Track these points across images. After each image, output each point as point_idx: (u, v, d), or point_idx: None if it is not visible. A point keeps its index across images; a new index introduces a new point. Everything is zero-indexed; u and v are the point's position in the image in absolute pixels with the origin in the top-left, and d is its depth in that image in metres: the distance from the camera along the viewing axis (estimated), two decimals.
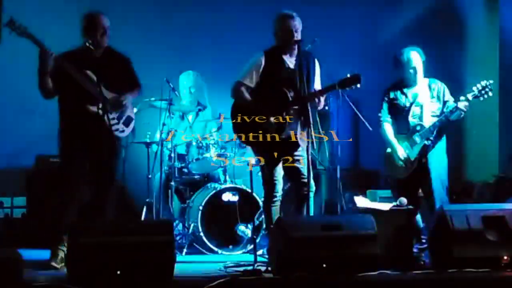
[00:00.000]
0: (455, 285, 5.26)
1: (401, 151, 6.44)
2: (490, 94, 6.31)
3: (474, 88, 6.31)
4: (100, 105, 5.81)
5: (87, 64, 5.90)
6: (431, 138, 6.41)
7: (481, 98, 6.32)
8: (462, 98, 6.29)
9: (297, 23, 5.99)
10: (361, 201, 6.26)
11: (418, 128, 6.42)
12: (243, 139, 6.33)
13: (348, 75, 5.85)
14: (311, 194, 5.99)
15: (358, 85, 5.82)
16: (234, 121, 6.16)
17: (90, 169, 6.00)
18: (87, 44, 5.88)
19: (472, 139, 8.12)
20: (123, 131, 6.12)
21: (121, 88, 6.07)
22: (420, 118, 6.44)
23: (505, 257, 5.49)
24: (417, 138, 6.41)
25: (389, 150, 6.55)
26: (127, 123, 6.15)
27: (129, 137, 6.49)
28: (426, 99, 6.45)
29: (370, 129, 6.50)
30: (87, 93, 5.89)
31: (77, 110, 5.92)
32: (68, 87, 5.89)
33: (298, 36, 5.95)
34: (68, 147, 5.99)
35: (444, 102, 6.48)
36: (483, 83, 6.31)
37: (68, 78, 5.86)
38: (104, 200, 6.05)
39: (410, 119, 6.46)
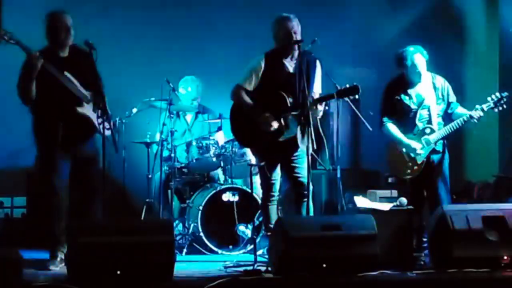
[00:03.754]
0: (455, 285, 5.27)
1: (415, 144, 6.40)
2: (505, 106, 6.33)
3: (489, 99, 6.32)
4: (84, 104, 5.81)
5: (57, 65, 5.84)
6: (440, 149, 6.41)
7: (496, 110, 6.35)
8: (477, 108, 6.29)
9: (296, 25, 5.98)
10: (361, 201, 6.25)
11: (427, 131, 6.39)
12: (241, 141, 6.35)
13: (347, 86, 5.84)
14: (310, 194, 5.99)
15: (357, 96, 5.84)
16: (233, 124, 6.17)
17: (72, 171, 5.95)
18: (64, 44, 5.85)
19: (472, 139, 8.11)
20: (109, 128, 6.02)
21: (90, 85, 5.95)
22: (429, 121, 6.42)
23: (505, 257, 5.50)
24: (426, 142, 6.38)
25: (392, 148, 6.51)
26: (109, 120, 6.12)
27: (122, 135, 6.51)
28: (432, 100, 6.40)
29: (370, 129, 6.49)
30: (71, 95, 5.86)
31: (65, 113, 5.87)
32: (52, 90, 5.83)
33: (297, 37, 5.94)
34: (51, 152, 5.89)
35: (449, 103, 6.47)
36: (498, 94, 6.32)
37: (52, 81, 5.80)
38: (91, 201, 5.99)
39: (418, 122, 6.43)
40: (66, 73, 5.85)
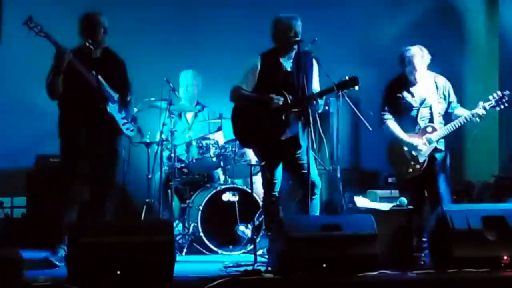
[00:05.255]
0: (455, 285, 5.27)
1: (417, 142, 6.39)
2: (506, 105, 6.33)
3: (491, 97, 6.32)
4: (109, 104, 5.84)
5: (88, 64, 5.90)
6: (442, 148, 6.41)
7: (497, 108, 6.36)
8: (479, 106, 6.30)
9: (298, 25, 5.98)
10: (361, 201, 6.26)
11: (429, 130, 6.39)
12: (244, 142, 6.34)
13: (347, 77, 5.85)
14: (317, 191, 6.00)
15: (357, 87, 5.83)
16: (234, 125, 6.18)
17: (91, 169, 6.01)
18: (88, 44, 5.89)
19: (472, 139, 8.11)
20: (132, 130, 6.18)
21: (118, 88, 6.07)
22: (430, 120, 6.42)
23: (505, 257, 5.50)
24: (428, 140, 6.37)
25: (393, 147, 6.51)
26: (134, 122, 6.21)
27: (137, 136, 6.57)
28: (434, 99, 6.41)
29: (370, 129, 6.49)
30: (97, 94, 5.90)
31: (88, 111, 5.91)
32: (78, 87, 5.89)
33: (298, 37, 5.95)
34: (70, 147, 5.98)
35: (449, 103, 6.48)
36: (499, 92, 6.32)
37: (78, 77, 5.86)
38: (103, 200, 6.06)
39: (419, 120, 6.43)
40: (94, 72, 5.88)
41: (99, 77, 5.89)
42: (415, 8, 8.70)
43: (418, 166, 6.39)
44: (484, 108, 6.29)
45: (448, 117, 6.49)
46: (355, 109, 6.47)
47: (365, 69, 7.70)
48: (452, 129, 6.37)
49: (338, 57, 7.73)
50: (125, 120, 6.09)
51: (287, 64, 6.06)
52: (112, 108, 6.02)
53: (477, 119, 6.32)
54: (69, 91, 5.90)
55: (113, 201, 6.15)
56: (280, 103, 5.93)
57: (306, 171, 5.94)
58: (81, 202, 6.03)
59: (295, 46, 5.92)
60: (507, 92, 6.32)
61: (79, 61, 5.85)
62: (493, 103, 6.32)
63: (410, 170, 6.42)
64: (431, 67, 6.48)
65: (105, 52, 6.06)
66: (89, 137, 5.95)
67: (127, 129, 6.11)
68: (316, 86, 6.10)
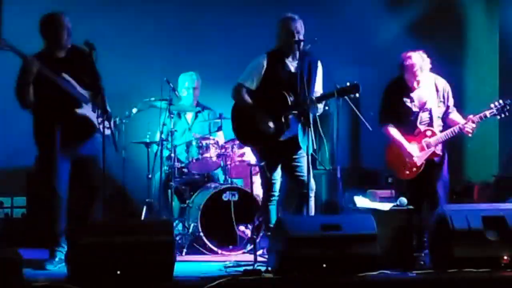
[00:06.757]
0: (455, 285, 5.27)
1: (416, 147, 6.38)
2: (507, 114, 6.31)
3: (492, 106, 6.31)
4: (90, 107, 5.80)
5: (54, 66, 5.82)
6: (440, 152, 6.40)
7: (499, 117, 6.35)
8: (478, 116, 6.29)
9: (299, 25, 5.99)
10: (361, 201, 6.25)
11: (428, 133, 6.38)
12: (243, 141, 6.35)
13: (348, 84, 5.85)
14: (312, 194, 6.00)
15: (357, 95, 5.84)
16: (234, 123, 6.18)
17: (75, 172, 5.96)
18: (54, 45, 5.84)
19: (472, 139, 8.11)
20: (109, 128, 5.94)
21: (89, 84, 5.92)
22: (430, 123, 6.41)
23: (505, 257, 5.50)
24: (426, 145, 6.37)
25: (391, 148, 6.51)
26: (108, 120, 6.00)
27: (122, 135, 6.51)
28: (434, 103, 6.39)
29: (370, 129, 6.48)
30: (69, 96, 5.85)
31: (63, 114, 5.86)
32: (50, 93, 5.82)
33: (299, 37, 5.95)
34: (51, 153, 5.89)
35: (448, 106, 6.47)
36: (501, 101, 6.30)
37: (49, 83, 5.79)
38: (93, 201, 5.98)
39: (419, 124, 6.41)
40: (63, 74, 5.83)
41: (69, 78, 5.81)
42: (415, 8, 8.70)
43: (415, 169, 6.39)
44: (475, 121, 6.28)
45: (442, 121, 6.49)
46: (355, 109, 6.46)
47: (364, 69, 7.72)
48: (451, 136, 6.36)
49: (338, 56, 7.73)
50: (100, 119, 5.85)
51: (292, 65, 6.07)
52: (87, 108, 5.93)
53: (468, 133, 6.32)
54: (41, 97, 5.81)
55: (101, 201, 6.04)
56: (270, 130, 5.94)
57: (300, 174, 5.95)
58: (68, 204, 5.98)
59: (297, 46, 5.93)
60: (508, 101, 6.30)
61: (45, 66, 5.76)
62: (495, 111, 6.31)
63: (407, 172, 6.42)
64: (431, 68, 6.47)
65: (70, 51, 5.93)
66: (67, 140, 5.87)
67: (103, 127, 5.82)
68: (318, 88, 6.11)
